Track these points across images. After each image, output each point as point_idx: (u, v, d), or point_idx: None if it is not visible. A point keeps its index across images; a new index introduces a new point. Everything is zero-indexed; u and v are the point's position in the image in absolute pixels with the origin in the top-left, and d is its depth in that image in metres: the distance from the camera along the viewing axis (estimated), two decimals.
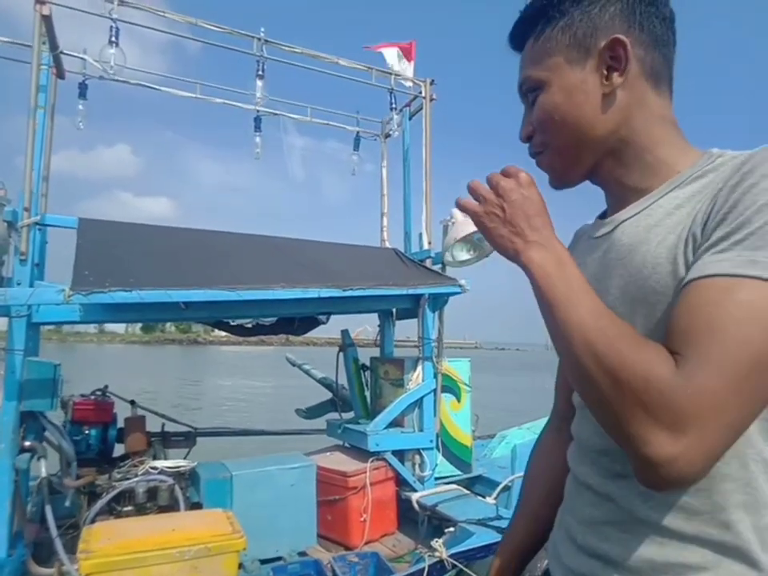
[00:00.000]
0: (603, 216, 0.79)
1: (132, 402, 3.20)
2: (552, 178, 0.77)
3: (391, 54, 3.45)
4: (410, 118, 3.60)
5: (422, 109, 3.42)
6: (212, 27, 2.91)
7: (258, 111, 3.46)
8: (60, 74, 3.06)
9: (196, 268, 2.66)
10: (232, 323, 3.55)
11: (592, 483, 0.71)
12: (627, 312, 0.64)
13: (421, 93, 3.40)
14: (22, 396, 2.30)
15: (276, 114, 3.58)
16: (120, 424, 3.12)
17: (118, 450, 3.10)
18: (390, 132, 3.73)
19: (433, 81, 3.35)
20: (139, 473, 2.56)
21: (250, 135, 3.48)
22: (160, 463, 2.66)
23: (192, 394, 15.53)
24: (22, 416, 2.32)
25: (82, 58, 3.14)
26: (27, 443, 2.35)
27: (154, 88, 3.32)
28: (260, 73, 2.99)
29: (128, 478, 2.52)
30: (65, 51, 2.97)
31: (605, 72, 0.67)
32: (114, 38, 2.70)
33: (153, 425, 3.33)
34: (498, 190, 0.66)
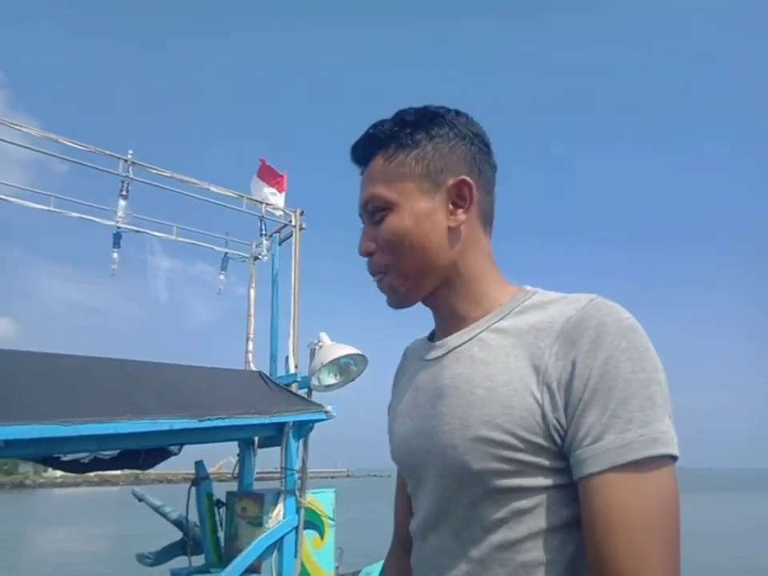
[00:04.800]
0: (431, 337, 0.81)
1: None
2: (391, 299, 0.77)
3: (260, 186, 3.59)
4: (279, 244, 3.69)
5: (292, 236, 3.53)
6: (75, 145, 2.84)
7: (118, 228, 3.33)
8: None
9: (22, 397, 2.32)
10: (64, 458, 3.10)
11: None
12: (464, 447, 0.65)
13: (291, 222, 3.54)
14: None
15: (138, 232, 3.47)
16: None
17: None
18: (259, 256, 3.77)
19: (303, 212, 3.52)
20: None
21: (109, 252, 3.31)
22: None
23: (7, 553, 12.68)
24: None
25: None
26: None
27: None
28: (124, 193, 2.93)
29: None
30: None
31: (451, 207, 0.72)
32: None
33: None
34: None
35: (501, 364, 0.66)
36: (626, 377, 0.59)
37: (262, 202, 3.46)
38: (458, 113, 0.76)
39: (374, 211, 0.74)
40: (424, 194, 0.72)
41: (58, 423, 2.12)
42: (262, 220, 3.49)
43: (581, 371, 0.60)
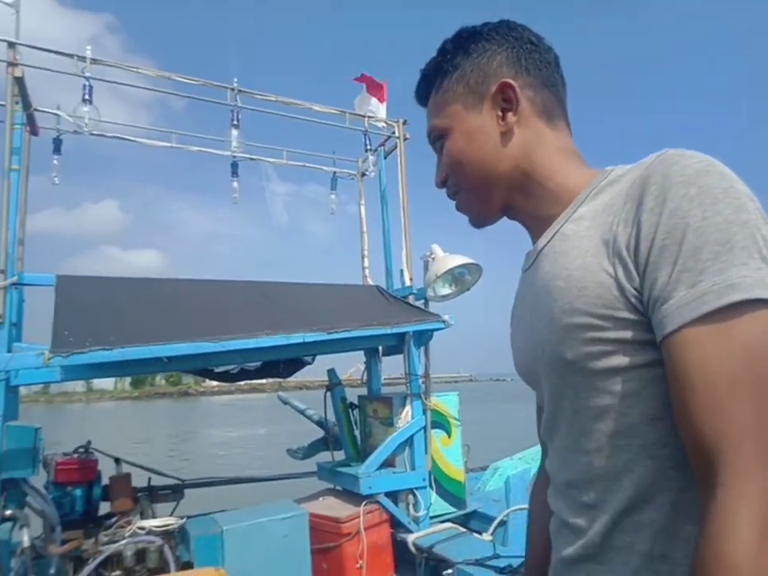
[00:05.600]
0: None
1: (117, 460, 3.13)
2: (470, 219, 0.80)
3: (366, 100, 3.52)
4: (385, 157, 3.66)
5: (396, 148, 3.48)
6: (186, 80, 2.95)
7: (234, 157, 3.49)
8: (34, 131, 3.07)
9: (178, 319, 2.65)
10: (216, 370, 3.52)
11: (566, 518, 0.70)
12: (556, 339, 0.64)
13: (394, 133, 3.47)
14: (2, 463, 2.24)
15: (253, 159, 3.62)
16: (105, 481, 3.05)
17: (104, 507, 3.02)
18: (366, 171, 3.78)
19: (405, 121, 3.42)
20: (126, 534, 2.49)
21: (229, 182, 3.50)
22: (148, 522, 2.59)
23: (183, 447, 15.27)
24: (3, 483, 2.26)
25: (56, 114, 3.16)
26: (8, 512, 2.28)
27: (129, 139, 3.34)
28: (235, 122, 3.03)
29: (115, 541, 2.45)
30: (39, 108, 2.99)
31: (499, 113, 0.73)
32: (87, 96, 2.73)
33: (139, 479, 3.26)
34: None
35: (576, 250, 0.64)
36: (695, 225, 0.53)
37: (364, 116, 3.41)
38: (499, 23, 0.75)
39: (436, 141, 0.78)
40: (471, 110, 0.73)
41: (207, 341, 2.40)
42: (366, 134, 3.46)
43: (647, 232, 0.56)
